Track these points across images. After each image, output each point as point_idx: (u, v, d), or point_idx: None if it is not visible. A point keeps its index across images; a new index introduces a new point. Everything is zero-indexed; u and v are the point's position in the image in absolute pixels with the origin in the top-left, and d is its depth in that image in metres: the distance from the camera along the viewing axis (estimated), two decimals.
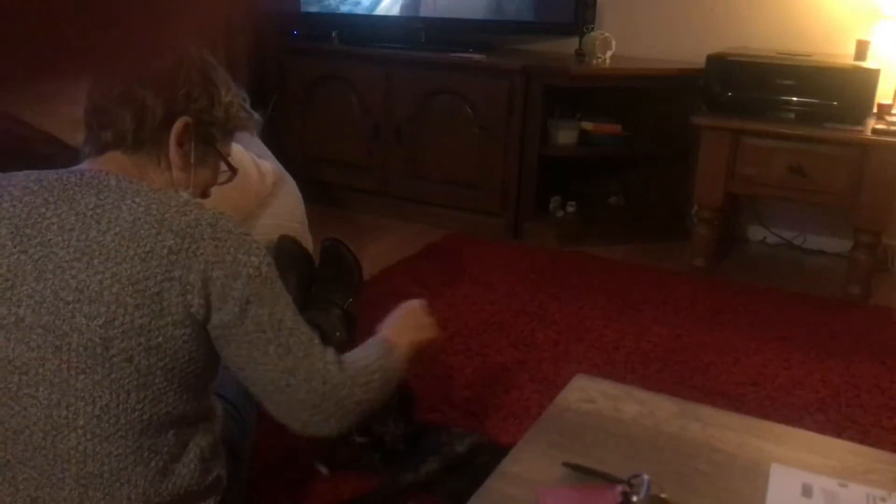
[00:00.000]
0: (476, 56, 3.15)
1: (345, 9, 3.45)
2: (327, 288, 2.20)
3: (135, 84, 1.16)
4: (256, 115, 1.33)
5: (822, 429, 1.89)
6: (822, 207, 2.91)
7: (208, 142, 1.24)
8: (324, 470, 1.61)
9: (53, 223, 1.08)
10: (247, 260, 1.10)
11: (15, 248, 1.08)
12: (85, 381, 1.06)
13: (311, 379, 1.14)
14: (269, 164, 2.41)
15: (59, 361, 1.06)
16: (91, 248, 1.06)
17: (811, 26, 2.98)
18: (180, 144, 1.19)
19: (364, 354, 1.23)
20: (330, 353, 1.17)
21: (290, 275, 2.24)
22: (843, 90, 2.59)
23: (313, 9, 3.49)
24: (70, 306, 1.05)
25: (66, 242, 1.07)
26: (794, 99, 2.66)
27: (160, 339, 1.07)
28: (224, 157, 1.28)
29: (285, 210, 2.37)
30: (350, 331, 2.14)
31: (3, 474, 1.10)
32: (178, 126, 1.18)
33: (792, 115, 2.66)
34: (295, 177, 2.56)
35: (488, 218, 3.19)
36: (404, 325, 1.38)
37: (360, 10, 3.43)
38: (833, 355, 2.25)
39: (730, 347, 2.28)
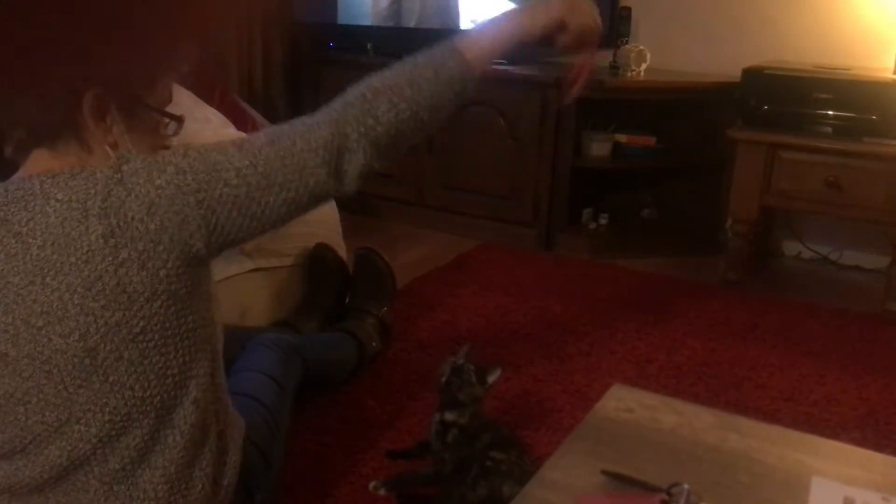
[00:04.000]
0: (510, 67, 3.16)
1: (380, 21, 3.48)
2: (362, 297, 2.22)
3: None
4: None
5: (859, 446, 1.85)
6: (860, 223, 2.87)
7: (135, 101, 1.08)
8: (381, 492, 1.55)
9: (0, 252, 1.03)
10: (162, 180, 1.01)
11: None
12: (86, 395, 1.04)
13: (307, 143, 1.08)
14: None
15: (55, 384, 1.03)
16: (39, 267, 1.01)
17: (850, 40, 2.95)
18: (101, 119, 1.05)
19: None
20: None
21: (324, 282, 2.27)
22: (883, 104, 2.57)
23: (349, 21, 3.53)
24: (43, 331, 1.01)
25: (16, 269, 1.02)
26: (832, 113, 2.64)
27: (141, 323, 1.02)
28: (160, 110, 1.12)
29: (320, 218, 2.39)
30: (384, 340, 2.16)
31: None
32: (88, 101, 1.04)
33: (829, 130, 2.64)
34: None
35: (520, 229, 3.20)
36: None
37: (393, 23, 3.46)
38: (870, 372, 2.22)
39: (764, 362, 2.26)
